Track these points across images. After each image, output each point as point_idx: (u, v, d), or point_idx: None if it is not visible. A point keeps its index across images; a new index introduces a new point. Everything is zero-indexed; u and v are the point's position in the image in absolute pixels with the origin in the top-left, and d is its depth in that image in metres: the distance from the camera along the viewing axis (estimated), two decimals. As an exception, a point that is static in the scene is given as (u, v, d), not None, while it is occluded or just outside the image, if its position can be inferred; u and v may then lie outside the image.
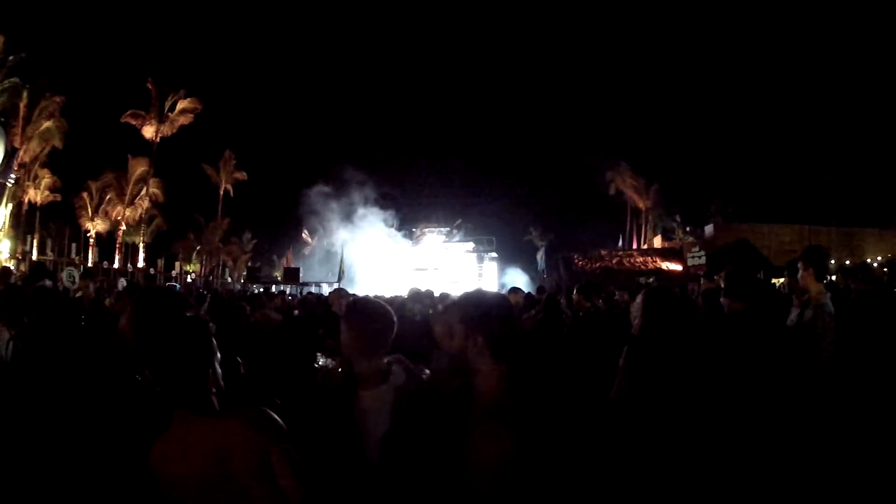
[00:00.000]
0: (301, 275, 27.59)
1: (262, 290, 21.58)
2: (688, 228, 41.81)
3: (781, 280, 9.16)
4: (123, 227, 41.03)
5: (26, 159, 33.55)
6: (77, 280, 10.20)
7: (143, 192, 40.81)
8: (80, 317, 3.92)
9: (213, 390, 1.74)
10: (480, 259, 30.49)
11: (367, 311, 2.46)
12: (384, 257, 27.91)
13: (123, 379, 2.34)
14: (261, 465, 1.63)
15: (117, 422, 2.21)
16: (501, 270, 32.42)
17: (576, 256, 35.94)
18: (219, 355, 1.81)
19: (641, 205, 46.26)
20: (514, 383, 1.66)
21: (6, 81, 32.10)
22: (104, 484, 2.15)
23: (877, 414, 3.37)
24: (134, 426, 2.05)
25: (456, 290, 8.74)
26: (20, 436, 2.41)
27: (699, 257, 30.60)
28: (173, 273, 42.20)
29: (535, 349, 4.53)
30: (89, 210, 40.39)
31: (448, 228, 30.97)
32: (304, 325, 5.44)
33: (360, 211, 29.88)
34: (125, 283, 15.63)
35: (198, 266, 47.14)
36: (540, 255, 39.06)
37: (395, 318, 2.48)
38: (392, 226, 31.69)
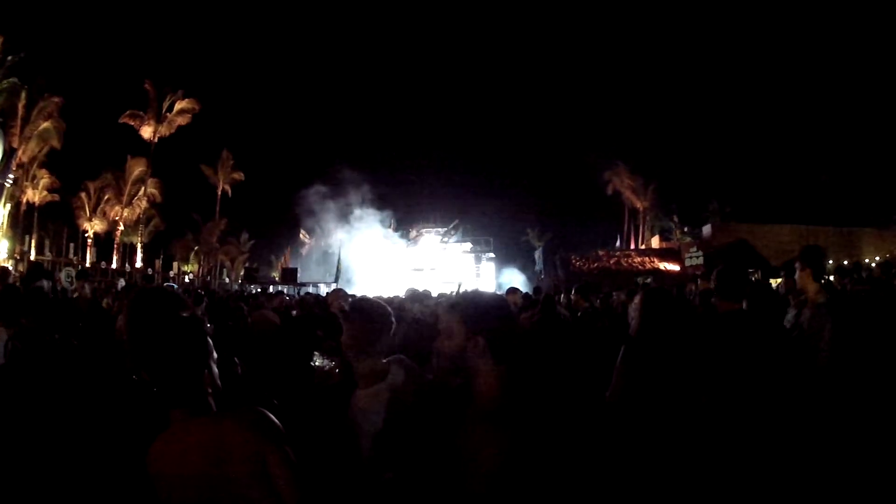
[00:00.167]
0: (298, 275, 27.57)
1: (259, 290, 21.58)
2: (685, 228, 41.85)
3: (779, 280, 9.18)
4: (121, 228, 40.98)
5: (24, 159, 33.48)
6: (74, 281, 10.20)
7: (141, 192, 40.78)
8: (77, 317, 3.92)
9: (210, 391, 1.74)
10: (478, 259, 30.51)
11: (366, 311, 2.47)
12: (381, 257, 27.91)
13: (121, 379, 2.33)
14: (258, 467, 1.63)
15: (115, 423, 2.20)
16: (499, 271, 32.44)
17: (573, 257, 35.92)
18: (215, 355, 1.81)
19: (639, 205, 46.28)
20: (513, 384, 1.66)
21: (5, 82, 32.04)
22: (102, 484, 2.15)
23: (876, 414, 3.37)
24: (131, 427, 2.05)
25: (451, 291, 8.75)
26: (18, 436, 2.40)
27: (697, 257, 30.59)
28: (171, 273, 42.13)
29: (532, 349, 4.54)
30: (87, 210, 40.32)
31: (445, 229, 30.95)
32: (301, 325, 5.43)
33: (357, 211, 29.88)
34: (123, 284, 15.62)
35: (196, 266, 47.09)
36: (537, 256, 39.09)
37: (393, 319, 2.49)
38: (389, 226, 31.71)
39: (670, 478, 2.64)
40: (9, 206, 32.41)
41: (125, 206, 40.75)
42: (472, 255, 30.60)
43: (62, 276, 12.94)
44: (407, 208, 38.18)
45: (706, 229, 36.73)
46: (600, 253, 37.20)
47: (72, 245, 39.47)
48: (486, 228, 35.23)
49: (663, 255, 36.74)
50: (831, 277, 8.37)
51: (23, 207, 34.89)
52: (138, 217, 41.12)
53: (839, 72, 49.67)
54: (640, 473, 2.67)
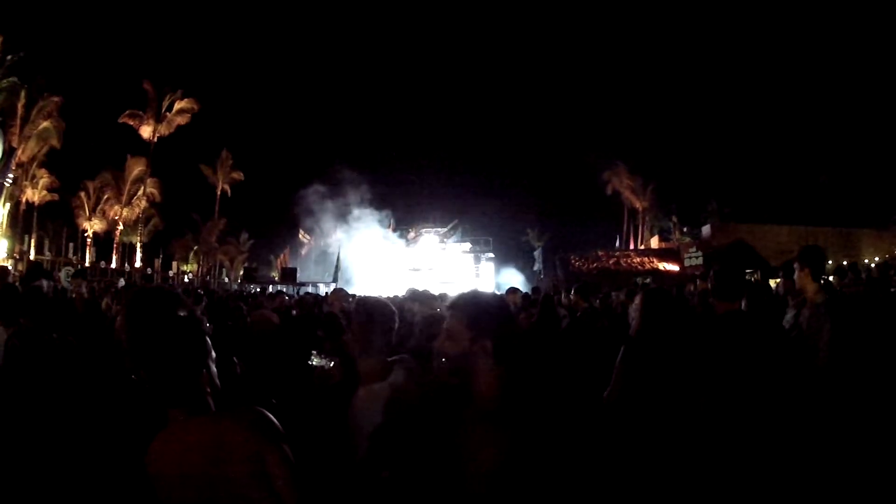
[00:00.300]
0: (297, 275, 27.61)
1: (258, 290, 21.58)
2: (685, 229, 41.81)
3: (777, 281, 9.18)
4: (121, 227, 40.95)
5: (24, 159, 33.46)
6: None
7: (141, 191, 40.76)
8: (74, 317, 3.92)
9: (209, 390, 1.74)
10: (477, 259, 30.57)
11: (369, 310, 2.47)
12: (380, 257, 27.94)
13: (119, 379, 2.33)
14: (257, 466, 1.63)
15: (114, 422, 2.20)
16: (498, 271, 32.48)
17: (573, 257, 35.95)
18: (214, 355, 1.81)
19: (638, 205, 46.28)
20: (513, 385, 1.66)
21: (4, 81, 32.03)
22: (101, 484, 2.15)
23: (875, 414, 3.37)
24: (130, 426, 2.05)
25: (450, 291, 8.74)
26: (17, 436, 2.40)
27: (696, 258, 30.61)
28: (170, 273, 42.09)
29: (531, 349, 4.54)
30: (87, 210, 40.30)
31: (444, 229, 30.99)
32: (300, 325, 5.44)
33: (356, 211, 29.92)
34: (123, 283, 15.62)
35: (195, 266, 47.06)
36: (537, 256, 39.11)
37: (396, 318, 2.50)
38: (388, 226, 31.73)
39: (668, 478, 2.64)
40: (8, 205, 32.42)
41: (124, 206, 40.74)
42: (472, 254, 30.63)
43: (62, 275, 12.95)
44: (406, 208, 38.26)
45: (705, 229, 36.75)
46: (600, 253, 37.22)
47: (71, 245, 39.44)
48: (485, 228, 35.35)
49: (662, 255, 36.77)
50: (831, 278, 8.39)
51: (22, 207, 34.89)
52: (138, 217, 41.10)
53: (839, 72, 49.70)
54: (639, 473, 2.67)
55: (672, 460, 2.67)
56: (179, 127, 41.39)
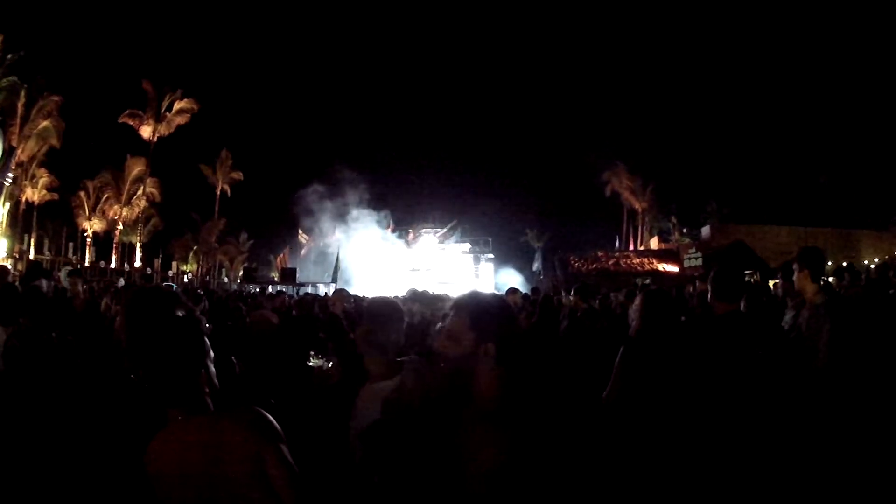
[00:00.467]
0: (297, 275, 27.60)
1: (258, 290, 21.58)
2: (684, 230, 41.83)
3: (777, 282, 9.18)
4: (120, 227, 40.95)
5: (24, 158, 33.46)
6: (69, 280, 10.17)
7: (140, 191, 40.76)
8: (73, 317, 3.92)
9: (207, 390, 1.74)
10: (477, 259, 30.57)
11: (374, 311, 2.48)
12: (379, 258, 27.94)
13: (118, 379, 2.33)
14: (256, 466, 1.63)
15: (113, 422, 2.20)
16: (497, 271, 32.49)
17: (572, 258, 35.94)
18: (212, 355, 1.81)
19: (638, 206, 46.27)
20: (512, 385, 1.66)
21: (4, 80, 32.04)
22: (100, 484, 2.15)
23: (874, 414, 3.37)
24: (130, 426, 2.05)
25: (449, 291, 8.75)
26: (16, 435, 2.40)
27: (696, 259, 30.60)
28: (170, 273, 42.06)
29: (530, 350, 4.54)
30: (86, 209, 40.29)
31: (444, 229, 31.00)
32: (300, 325, 5.43)
33: (355, 211, 29.91)
34: (123, 283, 15.61)
35: (194, 266, 47.04)
36: (536, 256, 39.12)
37: (404, 318, 2.51)
38: (387, 226, 31.74)
39: (667, 477, 2.64)
40: (8, 204, 32.42)
41: (124, 206, 40.74)
42: (471, 255, 30.63)
43: (61, 274, 12.92)
44: (405, 208, 38.24)
45: (705, 230, 36.78)
46: (599, 254, 37.23)
47: (71, 244, 39.44)
48: (484, 228, 35.35)
49: (662, 256, 36.77)
50: (830, 279, 8.39)
51: (22, 206, 34.90)
52: (137, 216, 41.09)
53: (838, 73, 49.78)
54: (637, 473, 2.67)
55: (670, 460, 2.67)
56: (179, 127, 41.41)
